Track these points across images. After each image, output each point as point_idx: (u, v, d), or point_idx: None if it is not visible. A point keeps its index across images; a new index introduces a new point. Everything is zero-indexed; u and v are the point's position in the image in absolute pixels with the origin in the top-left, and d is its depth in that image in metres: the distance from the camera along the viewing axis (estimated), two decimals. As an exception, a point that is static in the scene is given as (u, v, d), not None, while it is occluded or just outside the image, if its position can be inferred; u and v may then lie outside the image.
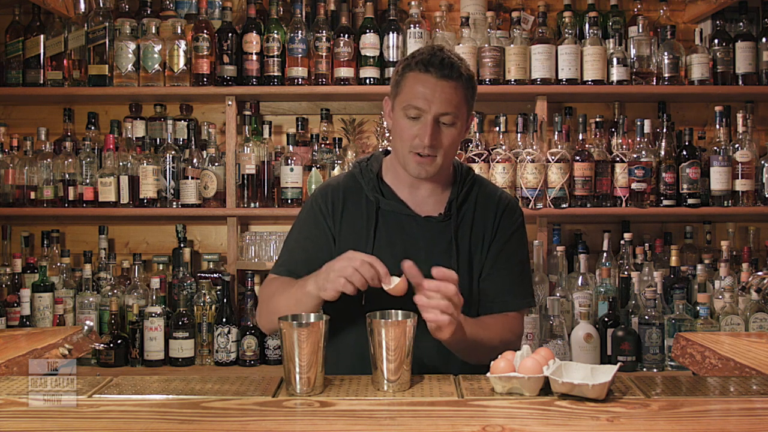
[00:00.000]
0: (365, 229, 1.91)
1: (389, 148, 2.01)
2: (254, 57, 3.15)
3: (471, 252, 1.91)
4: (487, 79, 3.13)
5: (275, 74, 3.16)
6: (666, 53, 3.18)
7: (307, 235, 1.96)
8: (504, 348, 1.64)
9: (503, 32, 3.24)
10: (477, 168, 2.97)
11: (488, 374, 1.47)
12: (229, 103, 3.19)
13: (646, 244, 3.23)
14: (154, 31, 3.19)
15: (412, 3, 3.22)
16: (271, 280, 1.96)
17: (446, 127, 1.82)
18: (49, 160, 3.21)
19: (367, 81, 3.16)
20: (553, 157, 3.08)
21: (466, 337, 1.72)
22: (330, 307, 1.89)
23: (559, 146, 3.11)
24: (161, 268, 3.24)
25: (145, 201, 3.15)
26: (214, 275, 3.16)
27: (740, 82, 3.22)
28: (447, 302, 1.61)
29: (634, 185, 3.10)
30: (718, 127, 3.22)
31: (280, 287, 1.88)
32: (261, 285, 1.96)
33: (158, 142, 3.29)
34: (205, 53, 3.15)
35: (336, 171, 3.13)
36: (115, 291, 3.10)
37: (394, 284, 1.66)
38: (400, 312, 1.58)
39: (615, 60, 3.16)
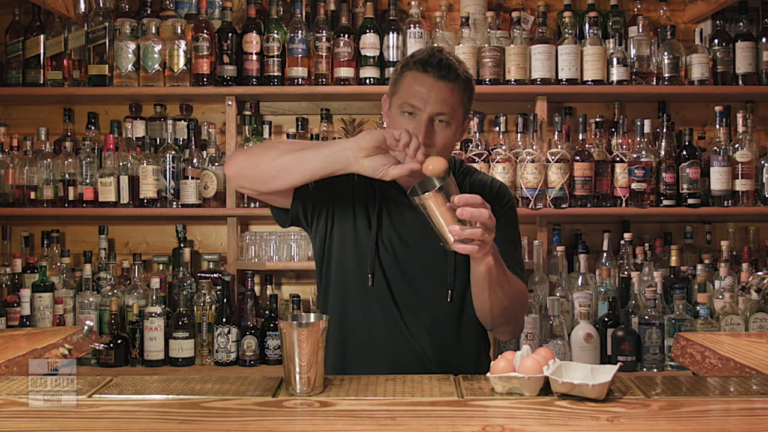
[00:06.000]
0: (367, 212, 1.91)
1: None
2: (254, 57, 3.15)
3: None
4: (487, 79, 3.13)
5: (275, 74, 3.16)
6: (666, 53, 3.18)
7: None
8: (522, 299, 1.86)
9: (503, 32, 3.24)
10: (476, 168, 2.96)
11: (488, 374, 1.47)
12: (229, 103, 3.19)
13: (646, 244, 3.23)
14: (154, 31, 3.19)
15: (412, 3, 3.22)
16: None
17: (441, 127, 1.81)
18: (49, 160, 3.21)
19: (367, 81, 3.16)
20: (553, 157, 3.07)
21: (499, 263, 1.72)
22: (337, 289, 1.90)
23: (559, 146, 3.11)
24: (161, 268, 3.24)
25: (145, 201, 3.15)
26: (214, 275, 3.16)
27: (740, 82, 3.22)
28: (480, 229, 1.60)
29: (634, 185, 3.10)
30: (718, 127, 3.22)
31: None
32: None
33: (158, 142, 3.29)
34: (205, 53, 3.15)
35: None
36: (115, 291, 3.10)
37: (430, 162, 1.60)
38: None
39: (615, 60, 3.16)
